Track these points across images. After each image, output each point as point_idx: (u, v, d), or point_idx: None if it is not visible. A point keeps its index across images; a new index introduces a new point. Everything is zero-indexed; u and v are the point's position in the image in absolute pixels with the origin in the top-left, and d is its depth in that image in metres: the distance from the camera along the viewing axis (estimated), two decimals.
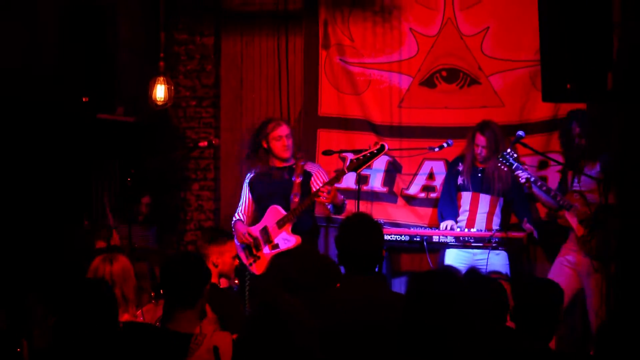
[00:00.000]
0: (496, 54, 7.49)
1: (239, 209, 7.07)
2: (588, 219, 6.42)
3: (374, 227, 4.46)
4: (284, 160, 6.92)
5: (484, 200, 7.00)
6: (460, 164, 7.15)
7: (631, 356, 3.54)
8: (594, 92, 5.51)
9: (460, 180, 7.11)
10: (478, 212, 7.01)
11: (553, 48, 5.59)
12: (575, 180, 6.59)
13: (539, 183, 6.60)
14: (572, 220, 6.48)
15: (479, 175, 7.00)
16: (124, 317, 4.53)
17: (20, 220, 6.72)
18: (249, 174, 7.06)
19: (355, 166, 6.56)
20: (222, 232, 5.82)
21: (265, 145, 6.91)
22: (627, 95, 5.33)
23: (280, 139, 6.85)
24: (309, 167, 6.96)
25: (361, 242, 4.35)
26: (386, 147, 6.54)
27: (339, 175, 6.70)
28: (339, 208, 6.77)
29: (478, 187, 7.00)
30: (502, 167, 6.68)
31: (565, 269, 6.54)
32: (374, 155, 6.53)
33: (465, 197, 7.07)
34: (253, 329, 3.42)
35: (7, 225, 6.63)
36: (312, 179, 6.87)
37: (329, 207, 6.83)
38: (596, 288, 6.37)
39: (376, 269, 4.47)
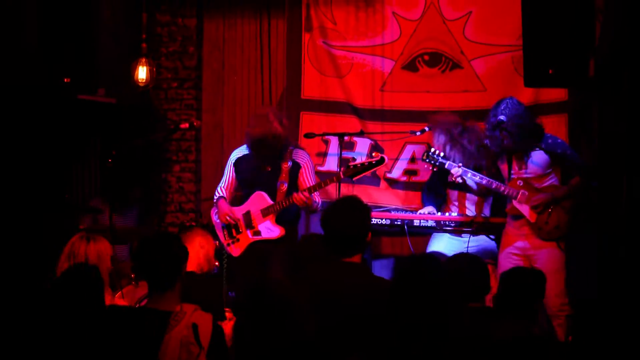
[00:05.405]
0: (478, 39, 7.50)
1: (222, 184, 6.97)
2: (542, 204, 6.37)
3: (361, 210, 4.43)
4: None
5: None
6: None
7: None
8: (575, 78, 5.53)
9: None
10: (466, 202, 6.97)
11: (535, 33, 5.60)
12: (517, 167, 6.50)
13: (476, 178, 6.49)
14: (523, 208, 6.42)
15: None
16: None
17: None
18: (236, 153, 6.99)
19: (352, 173, 6.48)
20: None
21: None
22: (607, 82, 5.35)
23: None
24: (298, 156, 6.83)
25: (345, 224, 4.33)
26: (386, 160, 6.52)
27: (328, 180, 6.61)
28: (312, 210, 6.79)
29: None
30: (431, 168, 6.68)
31: (514, 259, 6.41)
32: (372, 166, 6.49)
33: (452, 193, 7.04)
34: (246, 312, 3.45)
35: None
36: (301, 171, 6.78)
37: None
38: (554, 269, 6.25)
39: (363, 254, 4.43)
